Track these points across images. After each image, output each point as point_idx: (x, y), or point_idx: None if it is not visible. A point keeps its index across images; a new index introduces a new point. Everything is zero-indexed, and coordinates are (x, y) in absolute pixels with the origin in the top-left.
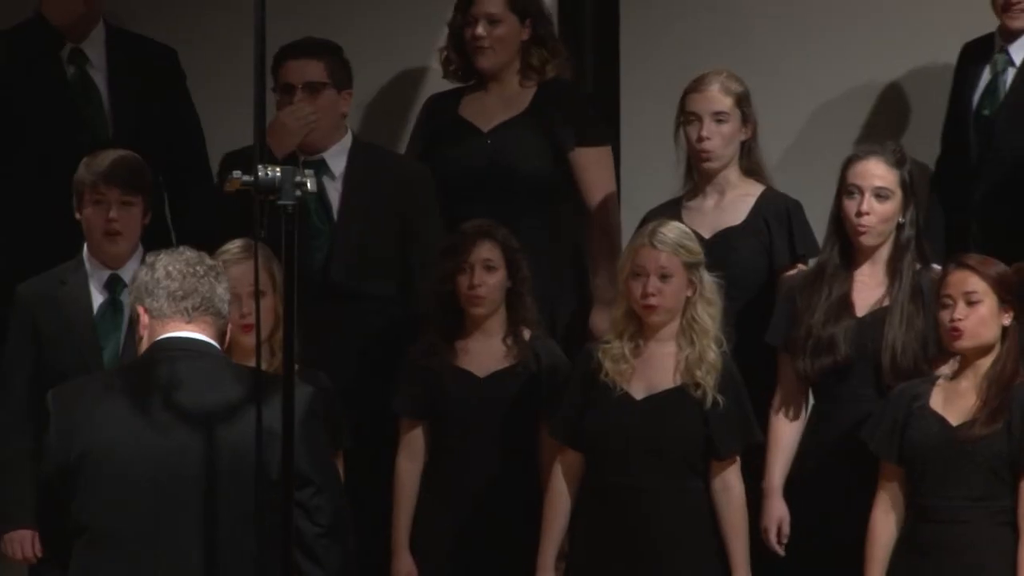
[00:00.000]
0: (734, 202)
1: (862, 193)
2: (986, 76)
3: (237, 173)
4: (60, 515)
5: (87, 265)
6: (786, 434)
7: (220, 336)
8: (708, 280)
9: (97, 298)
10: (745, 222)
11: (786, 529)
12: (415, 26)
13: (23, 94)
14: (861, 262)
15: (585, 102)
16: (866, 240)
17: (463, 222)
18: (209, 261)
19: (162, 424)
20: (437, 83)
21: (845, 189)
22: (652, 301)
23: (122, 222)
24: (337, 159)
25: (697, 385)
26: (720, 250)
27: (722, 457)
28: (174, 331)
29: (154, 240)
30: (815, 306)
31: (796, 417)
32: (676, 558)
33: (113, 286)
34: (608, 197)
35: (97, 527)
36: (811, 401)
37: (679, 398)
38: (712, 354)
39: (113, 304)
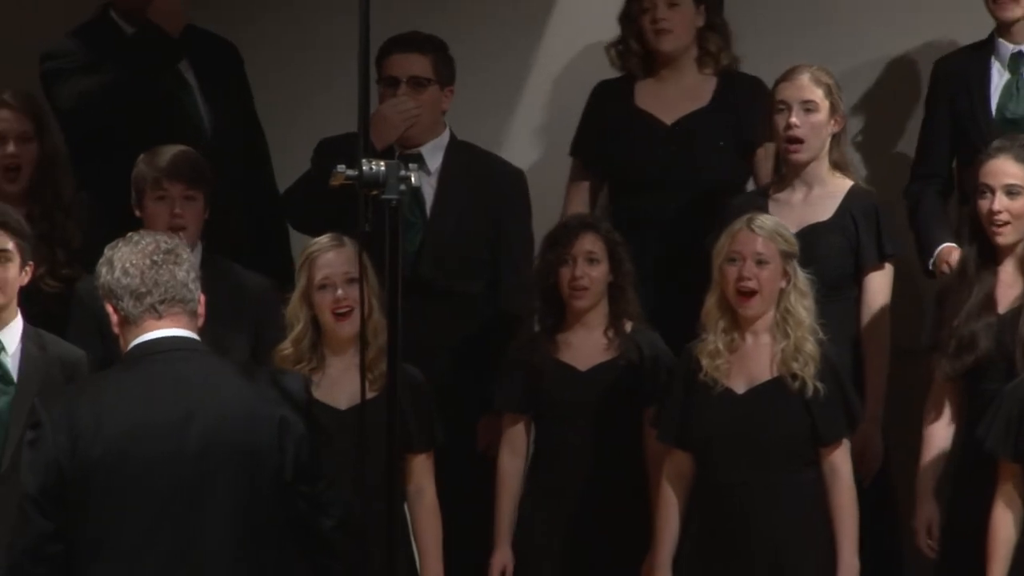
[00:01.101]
0: (822, 197)
1: (993, 192)
2: (1001, 78)
3: (341, 167)
4: (53, 527)
5: None
6: (935, 436)
7: (193, 319)
8: (801, 272)
9: None
10: (833, 218)
11: (935, 532)
12: (516, 26)
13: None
14: (1002, 259)
15: (762, 94)
16: (1002, 239)
17: (640, 214)
18: (166, 245)
19: (166, 427)
20: (538, 84)
21: (977, 188)
22: (749, 284)
23: (186, 217)
24: (434, 155)
25: (795, 376)
26: (806, 245)
27: (827, 443)
28: (149, 332)
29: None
30: (960, 306)
31: (944, 419)
32: (790, 549)
33: None
34: None
35: (106, 536)
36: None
37: (779, 390)
38: (809, 345)
39: None
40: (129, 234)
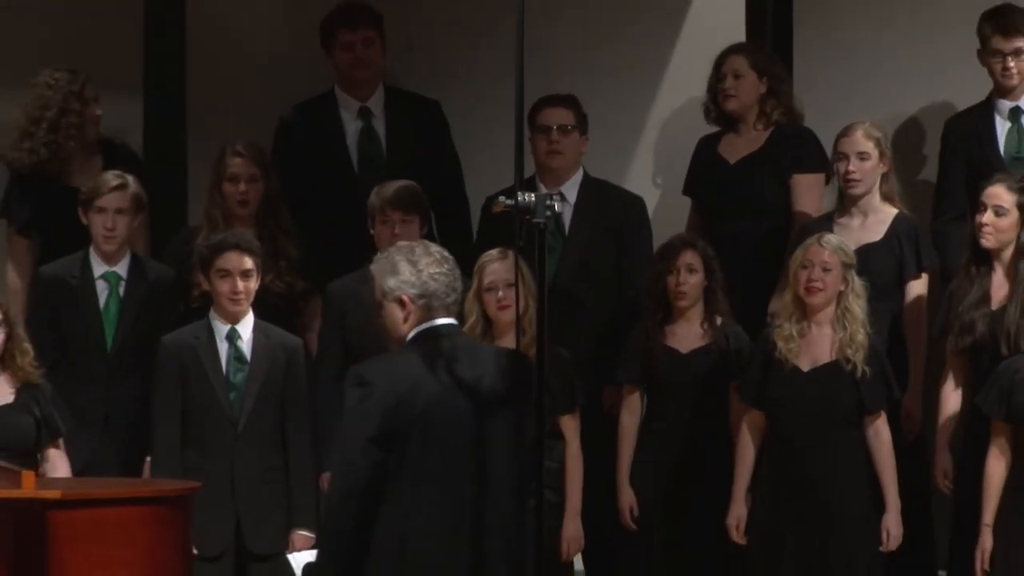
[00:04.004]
0: (874, 223)
1: (985, 209)
2: (1003, 128)
3: (502, 197)
4: (379, 465)
5: None
6: (948, 400)
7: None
8: (858, 279)
9: None
10: (883, 239)
11: (951, 475)
12: (637, 83)
13: (331, 143)
14: (993, 263)
15: (807, 136)
16: (986, 243)
17: (718, 231)
18: (450, 258)
19: (456, 387)
20: (653, 129)
21: (977, 205)
22: (816, 285)
23: (403, 236)
24: (571, 190)
25: (848, 360)
26: (863, 260)
27: (871, 412)
28: (434, 320)
29: None
30: (963, 299)
31: (953, 386)
32: (842, 492)
33: None
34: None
35: (421, 470)
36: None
37: (836, 370)
38: (861, 336)
39: None
40: (411, 244)
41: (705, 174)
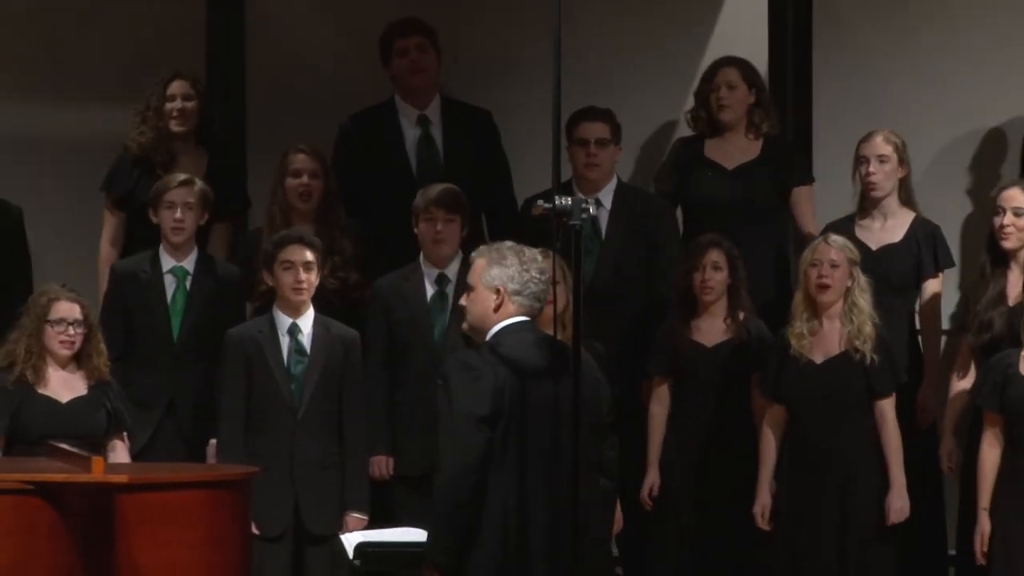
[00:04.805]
0: (893, 226)
1: (1004, 211)
2: None
3: (540, 201)
4: (490, 442)
5: (422, 266)
6: (957, 390)
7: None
8: (863, 276)
9: (429, 290)
10: (902, 241)
11: (956, 458)
12: (663, 94)
13: (391, 149)
14: (1010, 263)
15: (801, 155)
16: (1006, 244)
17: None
18: (548, 271)
19: (553, 372)
20: (671, 137)
21: (994, 209)
22: (824, 281)
23: (445, 234)
24: (607, 196)
25: (857, 350)
26: (883, 261)
27: (879, 396)
28: (517, 316)
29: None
30: (981, 297)
31: (966, 378)
32: (857, 473)
33: (441, 281)
34: (811, 221)
35: (519, 451)
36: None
37: (846, 361)
38: (868, 327)
39: (441, 295)
40: (521, 246)
41: (696, 177)
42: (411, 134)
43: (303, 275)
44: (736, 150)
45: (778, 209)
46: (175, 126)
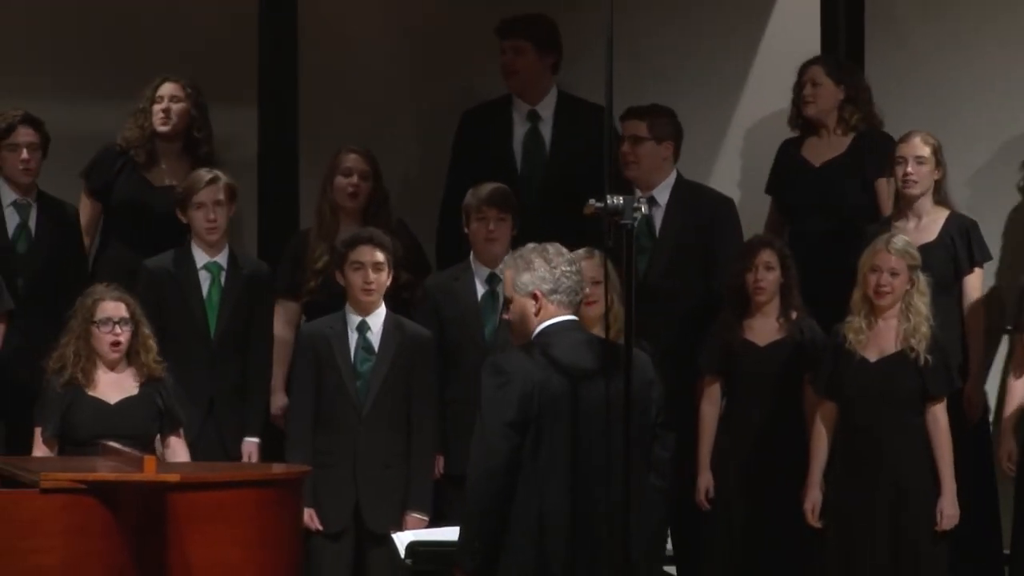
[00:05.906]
0: (928, 224)
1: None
2: None
3: (592, 200)
4: (517, 448)
5: (473, 266)
6: (1016, 389)
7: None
8: (923, 277)
9: (480, 289)
10: (937, 239)
11: (1015, 459)
12: (719, 92)
13: (499, 144)
14: None
15: (889, 143)
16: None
17: (798, 228)
18: (576, 260)
19: (594, 374)
20: (736, 134)
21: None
22: (884, 290)
23: (497, 233)
24: (663, 192)
25: (912, 350)
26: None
27: (932, 398)
28: (559, 316)
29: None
30: None
31: (1022, 377)
32: (909, 473)
33: (491, 280)
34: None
35: (552, 455)
36: None
37: (901, 360)
38: (924, 328)
39: (492, 294)
40: (543, 245)
41: (788, 175)
42: (520, 128)
43: (372, 275)
44: (825, 147)
45: (863, 205)
46: (159, 125)
